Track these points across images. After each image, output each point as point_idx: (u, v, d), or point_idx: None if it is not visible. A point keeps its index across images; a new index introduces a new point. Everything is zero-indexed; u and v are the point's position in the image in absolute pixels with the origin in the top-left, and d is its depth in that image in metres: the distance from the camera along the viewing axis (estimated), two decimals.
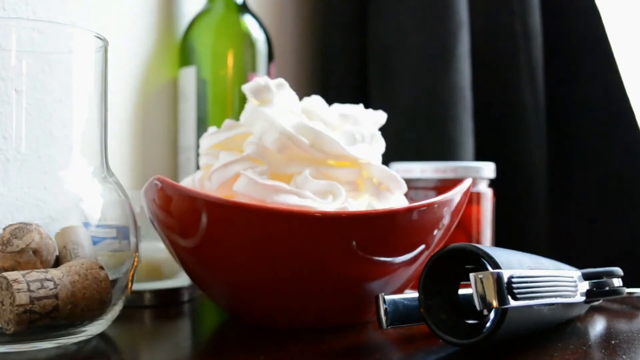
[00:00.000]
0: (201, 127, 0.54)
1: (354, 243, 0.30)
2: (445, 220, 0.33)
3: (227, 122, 0.37)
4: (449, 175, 0.44)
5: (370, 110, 0.38)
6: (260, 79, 0.36)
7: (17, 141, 0.30)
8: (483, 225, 0.45)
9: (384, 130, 0.39)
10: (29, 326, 0.26)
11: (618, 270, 0.34)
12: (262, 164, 0.34)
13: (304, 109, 0.37)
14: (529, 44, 0.66)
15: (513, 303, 0.25)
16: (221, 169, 0.34)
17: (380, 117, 0.38)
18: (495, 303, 0.25)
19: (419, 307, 0.28)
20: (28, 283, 0.26)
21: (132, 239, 0.32)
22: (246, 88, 0.37)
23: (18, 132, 0.30)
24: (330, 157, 0.34)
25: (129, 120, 0.53)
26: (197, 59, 0.55)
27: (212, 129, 0.38)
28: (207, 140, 0.37)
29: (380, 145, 0.37)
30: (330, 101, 0.40)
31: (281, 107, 0.36)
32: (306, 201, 0.32)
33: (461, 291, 0.29)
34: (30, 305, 0.26)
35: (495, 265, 0.26)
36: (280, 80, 0.37)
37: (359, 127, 0.36)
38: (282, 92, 0.37)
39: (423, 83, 0.64)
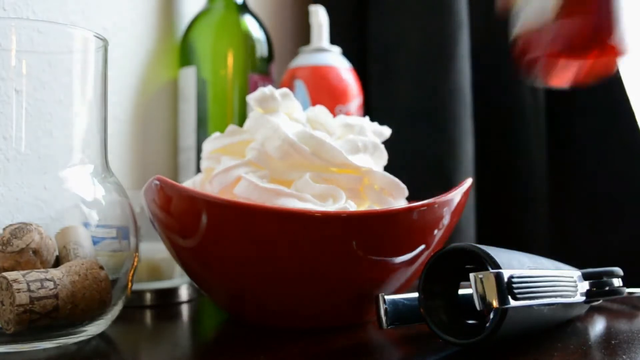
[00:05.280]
0: (201, 127, 0.54)
1: (354, 243, 0.30)
2: (445, 220, 0.33)
3: (231, 127, 0.37)
4: None
5: (375, 123, 0.38)
6: (266, 89, 0.36)
7: (17, 141, 0.30)
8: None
9: None
10: (29, 326, 0.26)
11: (618, 270, 0.34)
12: (264, 169, 0.34)
13: (309, 118, 0.37)
14: None
15: (513, 303, 0.25)
16: (222, 172, 0.34)
17: (384, 130, 0.38)
18: (495, 303, 0.25)
19: (419, 307, 0.28)
20: (28, 283, 0.26)
21: (132, 239, 0.32)
22: (251, 97, 0.37)
23: (18, 132, 0.30)
24: (332, 165, 0.34)
25: (129, 120, 0.53)
26: (197, 59, 0.55)
27: (215, 134, 0.38)
28: (209, 144, 0.37)
29: (383, 156, 0.37)
30: None
31: (285, 116, 0.36)
32: (306, 204, 0.32)
33: (461, 291, 0.29)
34: (30, 305, 0.26)
35: (495, 265, 0.26)
36: (286, 89, 0.37)
37: (362, 136, 0.36)
38: (287, 101, 0.37)
39: (423, 83, 0.64)
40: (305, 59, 0.55)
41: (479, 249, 0.26)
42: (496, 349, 0.27)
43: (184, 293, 0.41)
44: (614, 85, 0.63)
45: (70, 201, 0.31)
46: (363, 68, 0.67)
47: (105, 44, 0.32)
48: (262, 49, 0.56)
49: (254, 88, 0.54)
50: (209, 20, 0.56)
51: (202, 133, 0.54)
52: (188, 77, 0.55)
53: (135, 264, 0.32)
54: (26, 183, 0.30)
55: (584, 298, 0.30)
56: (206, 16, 0.56)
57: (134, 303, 0.39)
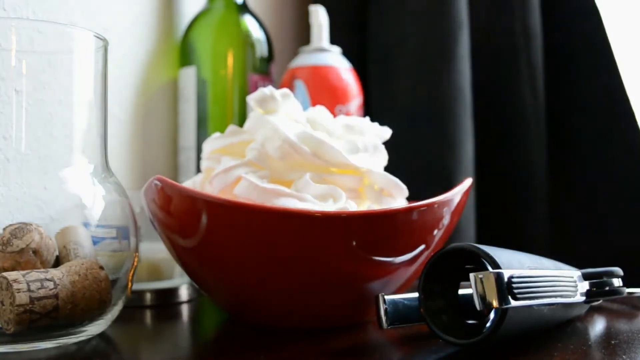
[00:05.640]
0: (201, 127, 0.54)
1: (354, 243, 0.30)
2: (445, 220, 0.33)
3: (231, 127, 0.37)
4: None
5: (376, 123, 0.38)
6: (266, 89, 0.36)
7: (17, 141, 0.30)
8: None
9: None
10: (29, 326, 0.26)
11: (618, 270, 0.34)
12: (264, 169, 0.34)
13: (309, 118, 0.37)
14: (529, 44, 0.66)
15: (513, 303, 0.25)
16: (222, 173, 0.34)
17: (384, 131, 0.38)
18: (495, 303, 0.25)
19: (419, 307, 0.28)
20: (28, 283, 0.26)
21: (132, 239, 0.32)
22: (251, 98, 0.37)
23: (18, 132, 0.30)
24: (332, 165, 0.34)
25: (129, 120, 0.53)
26: (197, 59, 0.55)
27: (215, 134, 0.38)
28: (209, 144, 0.37)
29: (383, 156, 0.37)
30: None
31: (285, 117, 0.36)
32: (306, 204, 0.32)
33: (461, 291, 0.29)
34: (30, 305, 0.26)
35: (495, 265, 0.26)
36: (286, 90, 0.37)
37: (362, 137, 0.36)
38: (287, 101, 0.37)
39: (423, 83, 0.64)
40: (305, 59, 0.55)
41: (479, 249, 0.26)
42: (496, 349, 0.27)
43: (184, 293, 0.41)
44: (614, 85, 0.64)
45: (70, 201, 0.31)
46: (363, 68, 0.67)
47: (105, 44, 0.32)
48: (262, 49, 0.56)
49: (254, 88, 0.55)
50: (209, 20, 0.56)
51: (202, 133, 0.54)
52: (188, 77, 0.55)
53: (135, 264, 0.32)
54: (26, 183, 0.30)
55: (584, 298, 0.30)
56: (206, 16, 0.56)
57: (134, 303, 0.39)
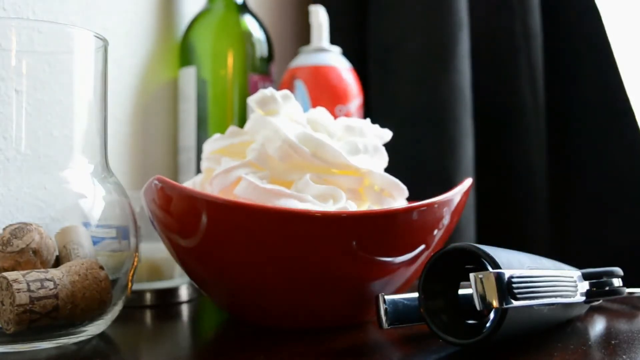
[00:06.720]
0: (201, 127, 0.54)
1: (354, 243, 0.30)
2: (445, 220, 0.33)
3: (231, 128, 0.37)
4: None
5: (376, 125, 0.38)
6: (267, 90, 0.36)
7: (17, 141, 0.30)
8: None
9: None
10: (29, 326, 0.26)
11: (618, 270, 0.34)
12: (264, 170, 0.34)
13: (310, 119, 0.37)
14: (529, 44, 0.66)
15: (513, 303, 0.25)
16: (223, 173, 0.34)
17: (385, 133, 0.38)
18: (495, 303, 0.25)
19: (419, 307, 0.28)
20: (28, 283, 0.26)
21: (132, 239, 0.32)
22: (252, 99, 0.37)
23: (18, 132, 0.30)
24: (332, 166, 0.34)
25: (129, 120, 0.53)
26: (197, 59, 0.55)
27: (216, 135, 0.38)
28: (210, 145, 0.37)
29: (383, 157, 0.37)
30: None
31: (286, 118, 0.36)
32: (307, 205, 0.32)
33: (461, 291, 0.29)
34: (30, 305, 0.26)
35: (496, 265, 0.26)
36: (286, 91, 0.37)
37: (363, 138, 0.36)
38: (287, 103, 0.37)
39: (423, 83, 0.64)
40: (305, 59, 0.55)
41: (479, 249, 0.26)
42: (496, 349, 0.27)
43: (184, 293, 0.41)
44: (614, 85, 0.64)
45: (70, 201, 0.31)
46: (363, 68, 0.67)
47: (105, 44, 0.32)
48: (262, 49, 0.56)
49: (254, 88, 0.55)
50: (209, 20, 0.56)
51: (202, 133, 0.54)
52: (188, 77, 0.55)
53: (135, 264, 0.32)
54: (26, 183, 0.30)
55: (584, 298, 0.30)
56: (206, 16, 0.56)
57: (134, 303, 0.39)
